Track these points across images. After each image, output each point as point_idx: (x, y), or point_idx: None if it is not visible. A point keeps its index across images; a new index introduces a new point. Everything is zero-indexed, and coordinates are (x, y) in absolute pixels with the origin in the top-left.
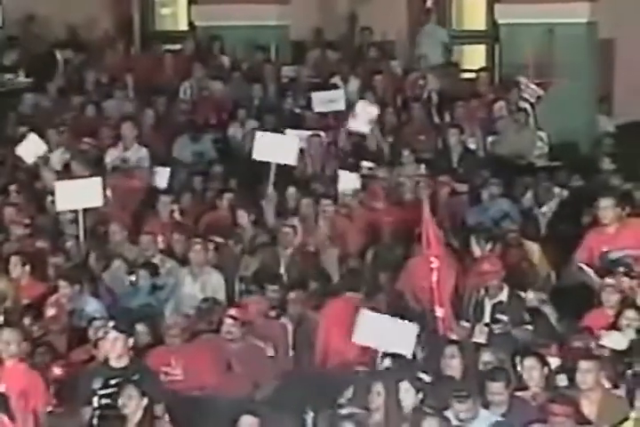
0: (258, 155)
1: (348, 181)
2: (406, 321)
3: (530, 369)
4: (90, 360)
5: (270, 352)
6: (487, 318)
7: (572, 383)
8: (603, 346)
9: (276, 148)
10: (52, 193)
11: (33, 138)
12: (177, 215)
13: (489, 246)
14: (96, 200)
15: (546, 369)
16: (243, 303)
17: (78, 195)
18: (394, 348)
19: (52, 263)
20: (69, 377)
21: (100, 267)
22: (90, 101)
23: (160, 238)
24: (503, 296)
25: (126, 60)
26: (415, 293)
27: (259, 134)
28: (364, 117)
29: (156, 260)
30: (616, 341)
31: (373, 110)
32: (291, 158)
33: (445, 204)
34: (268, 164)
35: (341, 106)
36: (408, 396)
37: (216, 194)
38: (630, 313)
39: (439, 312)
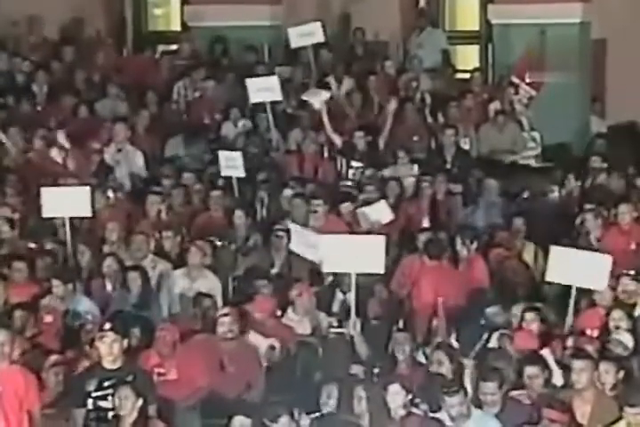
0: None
1: (381, 212)
2: (597, 253)
3: (532, 377)
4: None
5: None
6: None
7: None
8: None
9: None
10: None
11: None
12: (163, 215)
13: (474, 246)
14: (84, 210)
15: (546, 373)
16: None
17: (66, 202)
18: (587, 283)
19: (42, 264)
20: (64, 377)
21: (92, 267)
22: (82, 102)
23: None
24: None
25: (119, 60)
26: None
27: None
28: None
29: (147, 261)
30: (627, 340)
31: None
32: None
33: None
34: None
35: (277, 95)
36: (398, 398)
37: (206, 194)
38: (616, 314)
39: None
